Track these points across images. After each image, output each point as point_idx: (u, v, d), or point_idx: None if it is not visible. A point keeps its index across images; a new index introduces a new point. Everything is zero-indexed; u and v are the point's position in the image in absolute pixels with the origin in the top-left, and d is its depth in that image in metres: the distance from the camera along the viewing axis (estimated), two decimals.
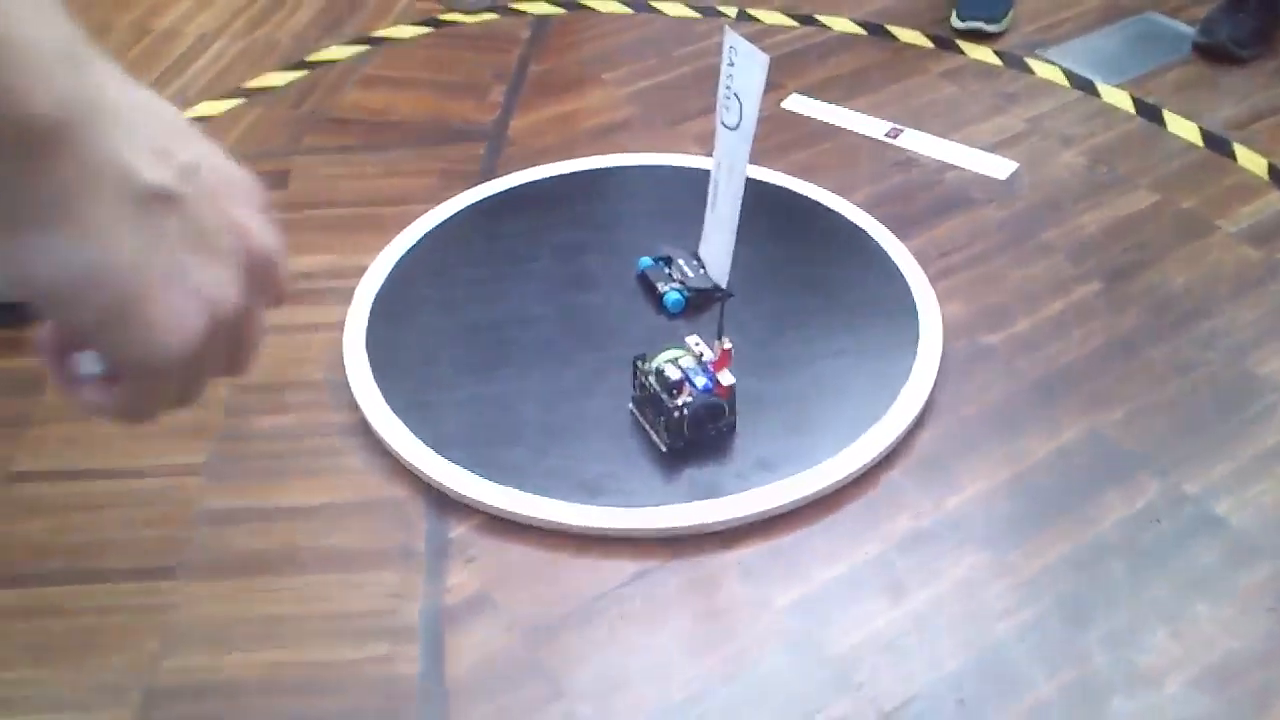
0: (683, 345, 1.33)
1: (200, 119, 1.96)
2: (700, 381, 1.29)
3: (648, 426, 1.34)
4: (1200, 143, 1.83)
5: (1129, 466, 1.31)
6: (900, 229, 1.64)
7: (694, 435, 1.30)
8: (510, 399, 1.38)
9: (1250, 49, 2.04)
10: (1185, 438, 1.34)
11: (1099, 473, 1.31)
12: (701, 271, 1.51)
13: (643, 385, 1.32)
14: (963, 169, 1.79)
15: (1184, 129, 1.86)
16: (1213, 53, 2.05)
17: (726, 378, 1.30)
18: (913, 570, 1.21)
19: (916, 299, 1.50)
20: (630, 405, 1.36)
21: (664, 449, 1.31)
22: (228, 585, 1.22)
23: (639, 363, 1.32)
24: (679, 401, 1.28)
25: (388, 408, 1.37)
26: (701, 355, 1.32)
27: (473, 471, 1.29)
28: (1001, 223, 1.68)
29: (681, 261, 1.53)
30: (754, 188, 1.71)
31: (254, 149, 1.88)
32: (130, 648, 1.16)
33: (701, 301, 1.49)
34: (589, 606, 1.19)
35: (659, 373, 1.29)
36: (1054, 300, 1.54)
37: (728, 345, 1.30)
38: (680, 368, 1.30)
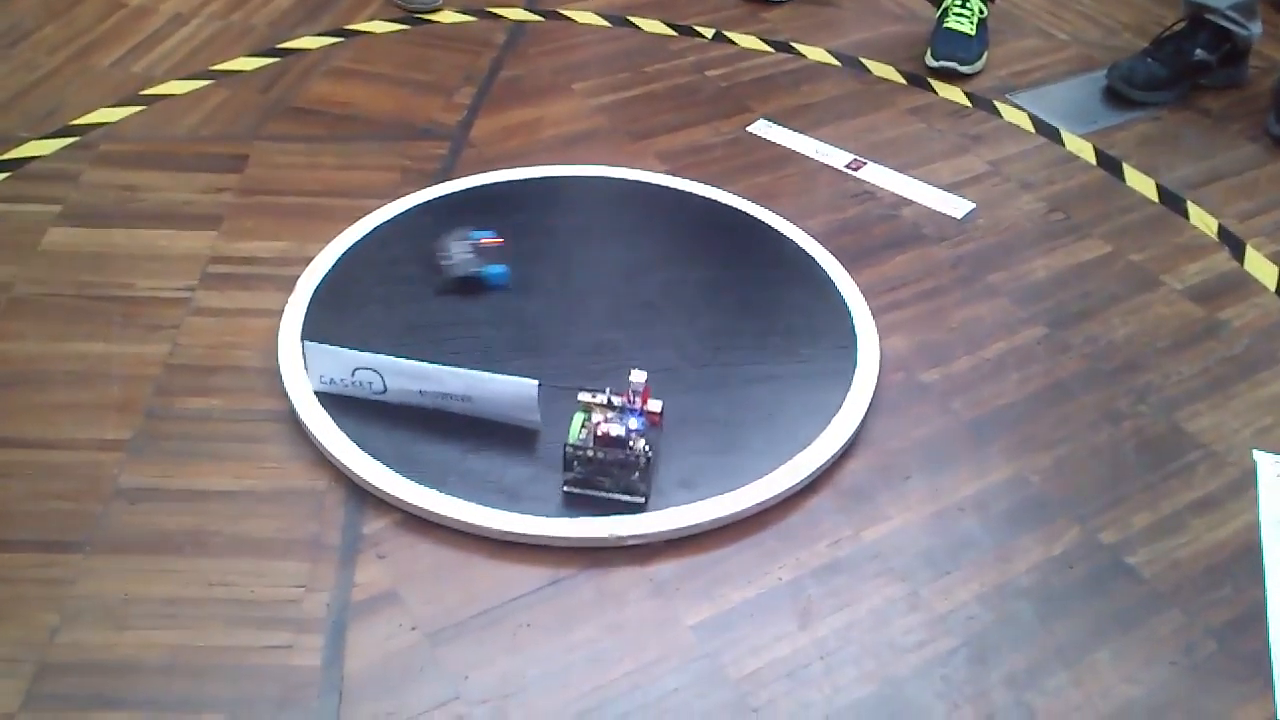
0: (584, 408, 1.28)
1: (164, 97, 1.95)
2: (633, 424, 1.25)
3: (611, 494, 1.26)
4: (1156, 198, 1.84)
5: (1050, 512, 1.31)
6: (851, 260, 1.65)
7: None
8: None
9: (1142, 92, 2.08)
10: (1109, 487, 1.34)
11: (1020, 516, 1.31)
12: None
13: (587, 460, 1.25)
14: (919, 205, 1.80)
15: (1142, 183, 1.87)
16: (1109, 92, 2.12)
17: (653, 405, 1.30)
18: (825, 598, 1.21)
19: (858, 330, 1.50)
20: (571, 489, 1.27)
21: (644, 500, 1.26)
22: (133, 563, 1.20)
23: (569, 448, 1.25)
24: (639, 448, 1.24)
25: (315, 398, 1.36)
26: (610, 402, 1.28)
27: (393, 468, 1.28)
28: (952, 261, 1.69)
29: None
30: (709, 207, 1.72)
31: (215, 131, 1.87)
32: (25, 620, 1.14)
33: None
34: (496, 611, 1.18)
35: (602, 438, 1.24)
36: (995, 342, 1.55)
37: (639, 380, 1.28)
38: (610, 422, 1.25)
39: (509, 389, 1.31)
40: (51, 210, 1.68)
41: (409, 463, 1.29)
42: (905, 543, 1.27)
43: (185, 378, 1.43)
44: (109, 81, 1.99)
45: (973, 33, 2.16)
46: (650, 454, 1.25)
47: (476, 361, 1.42)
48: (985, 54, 2.18)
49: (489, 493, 1.26)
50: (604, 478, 1.26)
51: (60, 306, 1.52)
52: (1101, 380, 1.49)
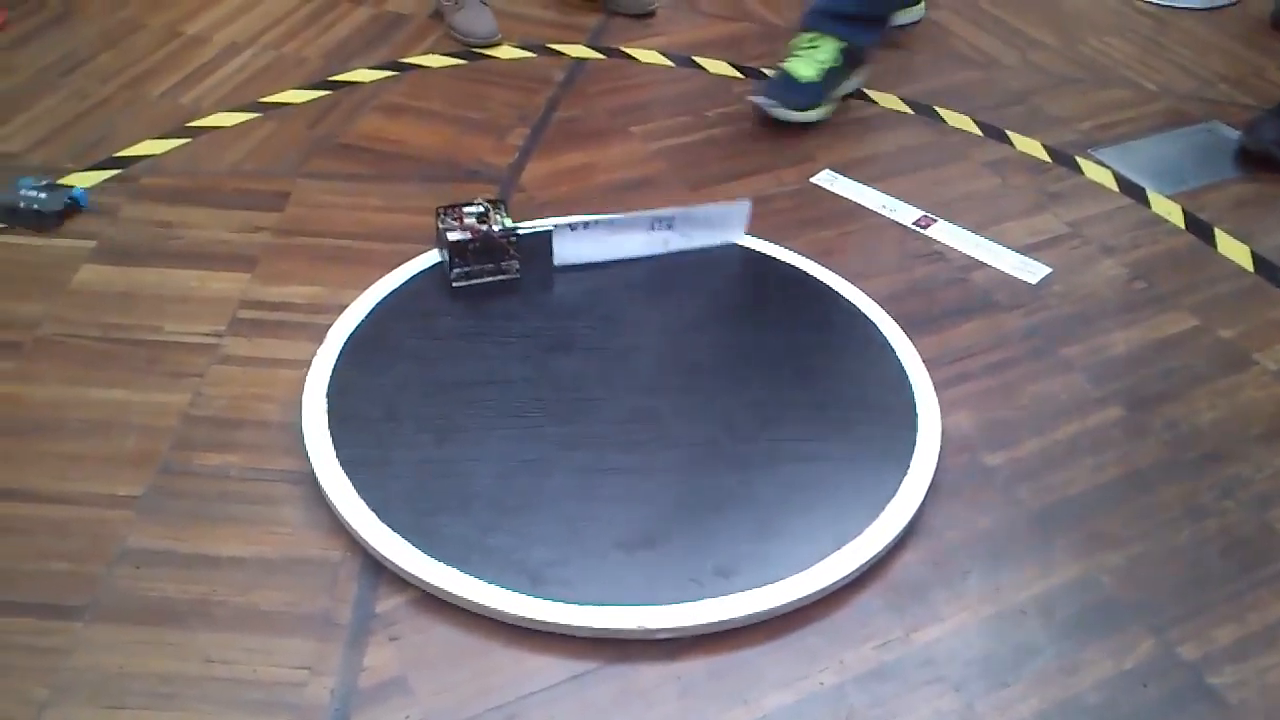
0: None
1: (210, 129, 1.90)
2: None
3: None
4: (1251, 267, 1.71)
5: (1122, 619, 1.19)
6: (915, 327, 1.54)
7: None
8: (466, 466, 1.29)
9: None
10: (1189, 594, 1.22)
11: (1089, 622, 1.19)
12: None
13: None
14: (991, 268, 1.69)
15: (1235, 251, 1.75)
16: (1258, 159, 1.95)
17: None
18: (869, 708, 1.10)
19: (919, 406, 1.40)
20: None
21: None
22: (132, 634, 1.13)
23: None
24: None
25: (336, 461, 1.28)
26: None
27: (412, 542, 1.20)
28: (1025, 332, 1.57)
29: None
30: (763, 264, 1.63)
31: (258, 166, 1.82)
32: (13, 694, 1.07)
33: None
34: (511, 707, 1.09)
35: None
36: (1068, 424, 1.43)
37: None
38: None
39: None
40: (86, 245, 1.63)
41: (429, 536, 1.21)
42: (960, 648, 1.16)
43: (205, 431, 1.36)
44: (157, 112, 1.94)
45: (817, 79, 1.96)
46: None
47: (506, 424, 1.35)
48: (823, 107, 1.99)
49: (511, 574, 1.18)
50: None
51: (83, 349, 1.46)
52: (1183, 471, 1.37)
